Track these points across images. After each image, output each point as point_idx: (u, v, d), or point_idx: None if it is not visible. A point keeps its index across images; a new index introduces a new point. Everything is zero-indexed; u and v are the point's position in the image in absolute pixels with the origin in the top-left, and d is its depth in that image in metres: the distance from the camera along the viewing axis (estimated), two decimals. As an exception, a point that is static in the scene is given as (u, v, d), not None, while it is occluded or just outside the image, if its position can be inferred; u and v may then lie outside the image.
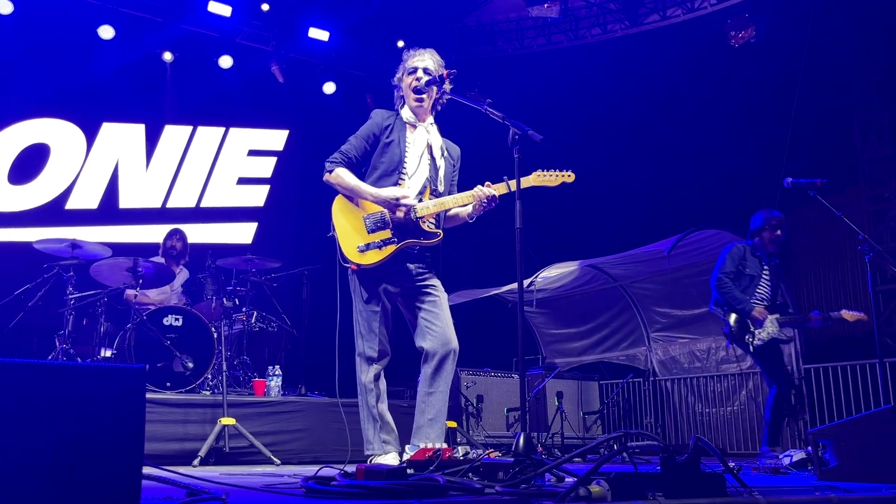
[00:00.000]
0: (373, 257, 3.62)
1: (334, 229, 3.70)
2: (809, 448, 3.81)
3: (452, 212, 3.87)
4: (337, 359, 3.71)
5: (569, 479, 2.85)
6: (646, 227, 9.75)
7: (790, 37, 9.91)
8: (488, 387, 7.94)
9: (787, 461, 4.37)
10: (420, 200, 3.71)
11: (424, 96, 3.80)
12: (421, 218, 3.68)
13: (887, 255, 4.61)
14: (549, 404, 7.36)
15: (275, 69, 9.92)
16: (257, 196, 10.63)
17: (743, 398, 8.21)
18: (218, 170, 10.39)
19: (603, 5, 10.60)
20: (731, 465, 4.21)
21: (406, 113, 3.86)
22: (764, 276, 5.68)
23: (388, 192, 3.64)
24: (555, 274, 9.73)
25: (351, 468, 2.67)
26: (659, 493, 2.25)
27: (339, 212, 3.71)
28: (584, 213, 11.24)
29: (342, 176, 3.70)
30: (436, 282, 3.76)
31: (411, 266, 3.71)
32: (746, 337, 5.49)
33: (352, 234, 3.66)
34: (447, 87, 3.78)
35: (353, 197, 3.71)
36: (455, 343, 3.64)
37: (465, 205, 3.75)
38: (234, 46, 9.79)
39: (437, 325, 3.64)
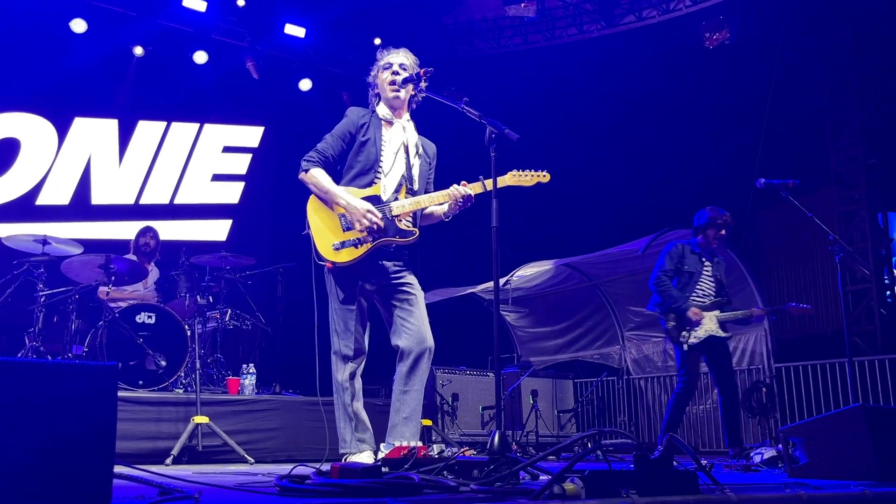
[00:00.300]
0: (348, 255, 3.61)
1: (309, 228, 3.67)
2: (780, 446, 3.86)
3: (428, 210, 3.86)
4: (317, 357, 3.69)
5: (543, 477, 2.86)
6: (621, 227, 9.81)
7: (764, 39, 10.03)
8: (464, 385, 7.95)
9: (758, 459, 4.42)
10: (395, 199, 3.70)
11: (401, 92, 3.79)
12: (397, 216, 3.67)
13: (857, 256, 4.68)
14: (524, 402, 7.39)
15: (250, 65, 9.84)
16: (232, 193, 10.55)
17: (715, 396, 8.24)
18: (192, 166, 10.29)
19: (579, 5, 10.65)
20: (704, 462, 4.27)
21: (382, 110, 3.84)
22: (705, 272, 5.66)
23: (360, 203, 3.62)
24: (530, 273, 9.77)
25: (326, 467, 2.66)
26: (632, 491, 2.27)
27: (314, 210, 3.69)
28: (559, 213, 11.29)
29: (317, 177, 3.68)
30: (412, 280, 3.75)
31: (388, 264, 3.70)
32: (682, 335, 5.50)
33: (326, 233, 3.64)
34: (423, 84, 3.77)
35: (325, 200, 3.69)
36: (430, 341, 3.63)
37: (441, 203, 3.75)
38: (209, 42, 9.69)
39: (413, 323, 3.63)
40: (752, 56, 10.04)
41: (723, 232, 5.67)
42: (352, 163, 3.75)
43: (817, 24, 10.04)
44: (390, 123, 3.82)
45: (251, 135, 10.75)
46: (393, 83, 3.78)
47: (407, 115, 3.89)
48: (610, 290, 10.02)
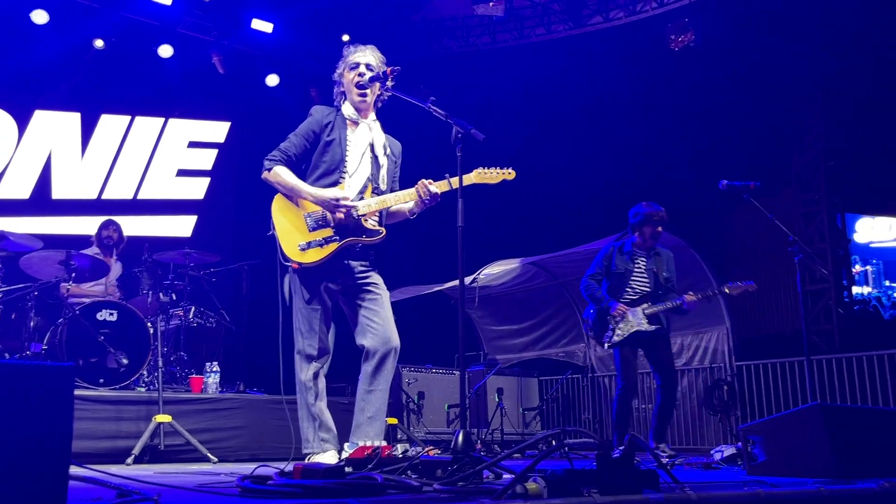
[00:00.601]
0: (314, 255, 3.58)
1: (274, 228, 3.64)
2: (740, 443, 3.92)
3: (394, 208, 3.85)
4: (280, 356, 3.66)
5: (507, 476, 2.87)
6: (587, 226, 9.89)
7: (728, 43, 10.17)
8: (429, 383, 7.95)
9: (718, 456, 4.49)
10: (361, 198, 3.68)
11: (367, 91, 3.77)
12: (363, 216, 3.66)
13: (815, 257, 4.77)
14: (490, 401, 7.42)
15: (216, 60, 9.73)
16: (197, 188, 10.43)
17: (677, 394, 8.38)
18: (156, 161, 10.15)
19: (547, 6, 10.70)
20: (665, 461, 4.33)
21: (347, 109, 3.81)
22: (637, 269, 5.58)
23: (328, 192, 3.60)
24: (497, 271, 9.80)
25: (290, 467, 2.65)
26: (594, 490, 2.29)
27: (280, 210, 3.66)
28: (526, 211, 11.35)
29: (281, 174, 3.65)
30: (377, 279, 3.74)
31: (354, 263, 3.68)
32: (606, 333, 5.49)
33: (292, 233, 3.60)
34: (389, 83, 3.75)
35: (292, 196, 3.66)
36: (396, 341, 3.63)
37: (407, 201, 3.74)
38: (175, 35, 9.55)
39: (378, 322, 3.62)
40: (717, 59, 10.18)
41: (659, 229, 5.58)
42: (317, 163, 3.72)
43: (780, 30, 10.20)
44: (356, 123, 3.80)
45: (217, 130, 10.63)
46: (359, 85, 3.75)
47: (373, 115, 3.87)
48: (575, 288, 10.07)
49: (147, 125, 10.12)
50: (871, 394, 7.70)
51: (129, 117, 9.99)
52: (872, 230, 11.64)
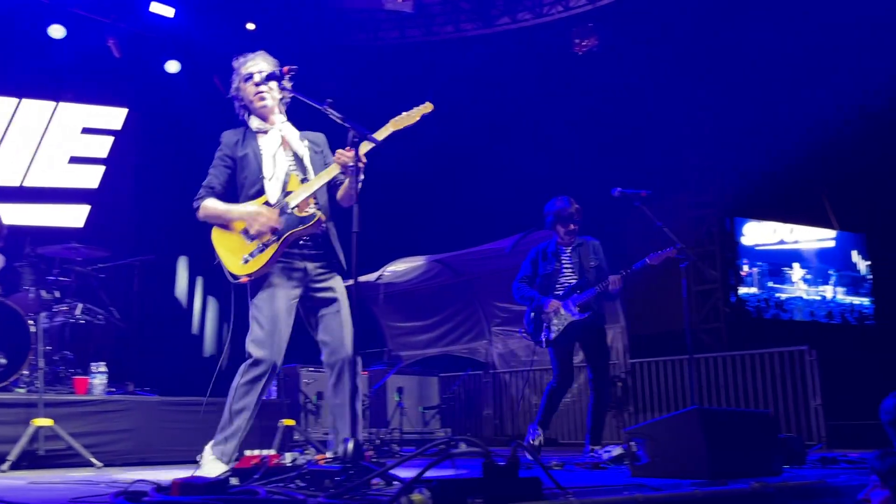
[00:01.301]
0: (258, 262, 3.53)
1: (218, 257, 3.63)
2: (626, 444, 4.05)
3: (341, 190, 3.74)
4: (219, 362, 3.60)
5: (398, 483, 2.88)
6: (492, 225, 10.00)
7: (628, 49, 10.47)
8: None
9: (606, 456, 4.64)
10: (288, 195, 3.62)
11: (265, 94, 3.72)
12: (297, 207, 3.60)
13: (703, 262, 4.97)
14: (390, 400, 7.42)
15: (111, 43, 9.31)
16: (91, 177, 9.95)
17: (575, 390, 8.60)
18: (46, 147, 9.63)
19: (456, 4, 10.74)
20: (554, 462, 4.44)
21: (254, 122, 3.78)
22: (564, 265, 5.57)
23: (252, 208, 3.59)
24: (402, 268, 9.81)
25: (188, 472, 2.57)
26: (478, 499, 2.32)
27: (218, 238, 3.65)
28: (432, 208, 11.39)
29: (209, 206, 3.65)
30: (335, 283, 3.70)
31: (309, 266, 3.65)
32: (543, 332, 5.45)
33: (233, 253, 3.59)
34: (288, 84, 3.69)
35: (224, 224, 3.64)
36: (349, 350, 3.57)
37: (338, 176, 3.66)
38: (67, 15, 9.07)
39: (335, 331, 3.62)
40: (618, 64, 10.46)
41: (572, 226, 5.56)
42: (241, 181, 3.71)
43: (674, 35, 10.57)
44: (265, 132, 3.75)
45: (114, 116, 10.16)
46: (258, 93, 3.71)
47: (281, 118, 3.81)
48: (478, 285, 10.23)
49: (35, 109, 9.58)
50: (752, 390, 8.12)
51: (16, 100, 9.43)
52: (758, 233, 12.25)
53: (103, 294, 6.67)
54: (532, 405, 9.66)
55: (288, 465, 2.96)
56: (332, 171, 3.63)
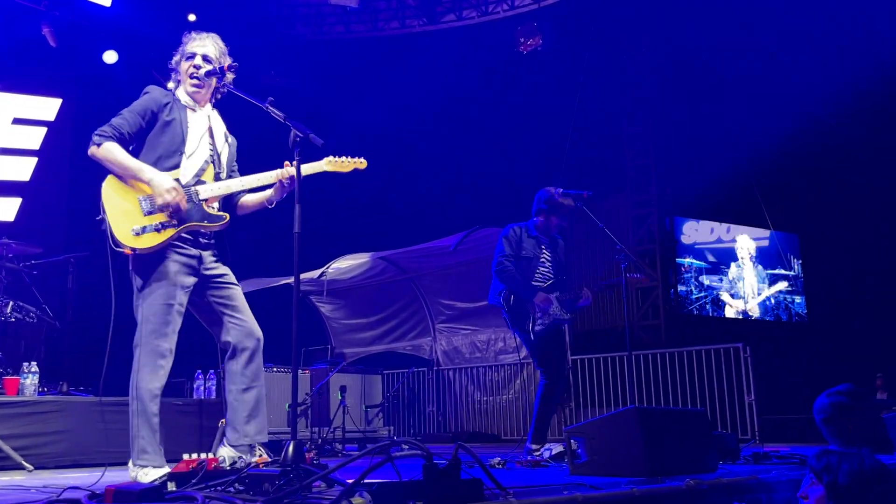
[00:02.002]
0: (149, 241, 3.33)
1: (104, 212, 3.34)
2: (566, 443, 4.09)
3: (245, 199, 3.69)
4: (107, 355, 3.41)
5: (340, 486, 2.86)
6: (437, 222, 10.03)
7: (572, 49, 10.60)
8: (270, 383, 7.68)
9: (547, 454, 4.68)
10: (198, 182, 3.50)
11: (203, 87, 3.62)
12: (205, 200, 3.50)
13: (642, 261, 5.06)
14: (332, 399, 7.37)
15: (46, 31, 9.01)
16: (23, 169, 9.61)
17: (517, 387, 8.73)
18: (-26, 137, 9.28)
19: (402, 0, 10.71)
20: (497, 459, 4.47)
21: (183, 96, 3.63)
22: (543, 257, 5.27)
23: (168, 181, 3.37)
24: (347, 265, 9.75)
25: (116, 475, 2.50)
26: (419, 502, 2.33)
27: (111, 192, 3.37)
28: (377, 206, 11.35)
29: (114, 152, 3.36)
30: (227, 271, 3.60)
31: (204, 254, 3.52)
32: (528, 323, 5.08)
33: (125, 216, 3.34)
34: (229, 77, 3.62)
35: (125, 177, 3.39)
36: (259, 333, 3.52)
37: (258, 190, 3.58)
38: (0, 2, 8.76)
39: (240, 316, 3.51)
40: (561, 64, 10.58)
41: (560, 221, 5.31)
42: (154, 143, 3.49)
43: (617, 39, 10.74)
44: (193, 110, 3.63)
45: (47, 107, 9.82)
46: (194, 77, 3.58)
47: (210, 107, 3.71)
48: (423, 283, 10.22)
49: (-37, 98, 9.23)
50: (689, 386, 8.33)
51: (-59, 88, 9.07)
52: (697, 233, 12.56)
53: (35, 291, 6.44)
54: (476, 401, 9.73)
55: (227, 468, 2.91)
56: (264, 180, 3.55)
